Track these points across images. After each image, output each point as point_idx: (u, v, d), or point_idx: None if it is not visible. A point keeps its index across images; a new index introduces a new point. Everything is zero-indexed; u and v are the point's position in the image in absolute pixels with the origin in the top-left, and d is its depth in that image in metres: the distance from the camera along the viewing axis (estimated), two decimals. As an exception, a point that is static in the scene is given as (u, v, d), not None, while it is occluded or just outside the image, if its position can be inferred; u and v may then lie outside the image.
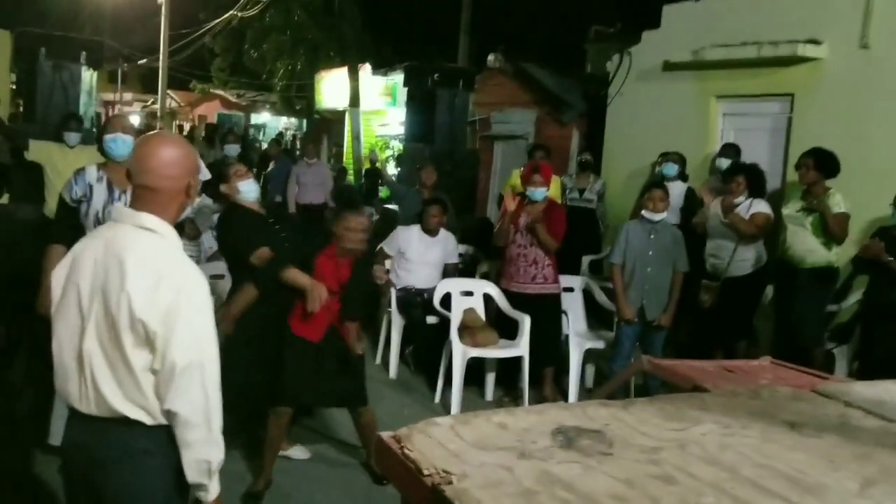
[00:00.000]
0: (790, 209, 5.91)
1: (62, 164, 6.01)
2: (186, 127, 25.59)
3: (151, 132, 2.57)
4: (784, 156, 7.30)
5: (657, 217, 5.23)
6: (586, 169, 8.36)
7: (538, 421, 1.73)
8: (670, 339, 5.77)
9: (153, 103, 26.98)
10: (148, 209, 2.11)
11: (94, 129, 7.39)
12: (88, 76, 8.33)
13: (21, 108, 10.28)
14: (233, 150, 8.18)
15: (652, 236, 5.26)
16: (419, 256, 6.18)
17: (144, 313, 1.99)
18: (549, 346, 5.58)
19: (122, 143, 3.91)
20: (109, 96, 28.89)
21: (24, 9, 19.08)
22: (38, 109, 8.15)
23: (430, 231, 6.21)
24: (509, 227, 5.60)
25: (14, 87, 11.00)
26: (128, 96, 30.85)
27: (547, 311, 5.59)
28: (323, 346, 4.11)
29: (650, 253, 5.23)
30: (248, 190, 4.28)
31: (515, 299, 5.61)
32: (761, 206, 6.03)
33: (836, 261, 5.63)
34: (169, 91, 25.55)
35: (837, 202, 5.49)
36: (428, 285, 6.06)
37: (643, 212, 5.31)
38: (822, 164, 5.61)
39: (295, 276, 4.03)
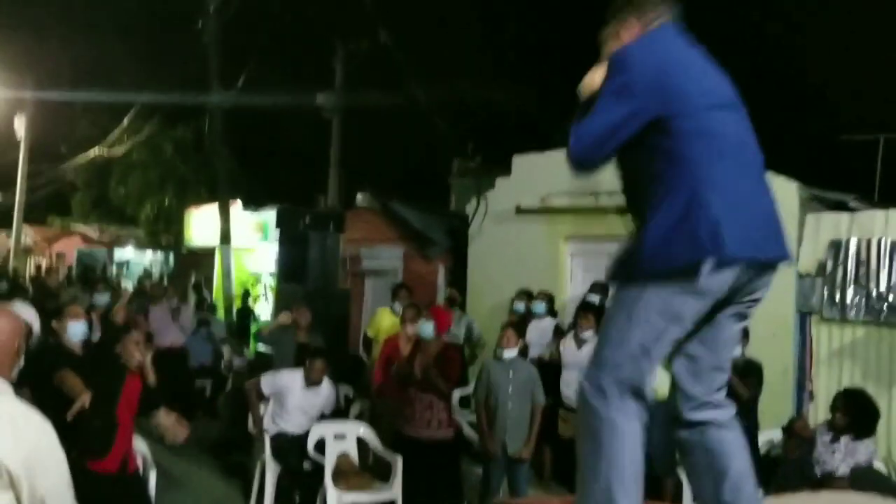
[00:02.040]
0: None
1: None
2: (44, 264, 24.54)
3: None
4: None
5: (510, 354, 5.67)
6: (452, 305, 8.85)
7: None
8: (536, 471, 6.10)
9: (7, 239, 25.80)
10: None
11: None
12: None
13: None
14: (102, 299, 8.06)
15: (510, 373, 5.68)
16: (298, 405, 6.16)
17: (7, 459, 2.17)
18: (448, 491, 5.59)
19: None
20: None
21: None
22: None
23: (314, 382, 6.16)
24: (405, 371, 5.63)
25: None
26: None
27: (443, 456, 5.59)
28: (120, 476, 4.28)
29: (510, 389, 5.63)
30: (75, 332, 4.72)
31: (411, 444, 5.56)
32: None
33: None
34: (24, 226, 24.59)
35: None
36: (302, 431, 6.11)
37: (498, 349, 5.75)
38: None
39: (68, 378, 4.24)
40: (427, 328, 5.63)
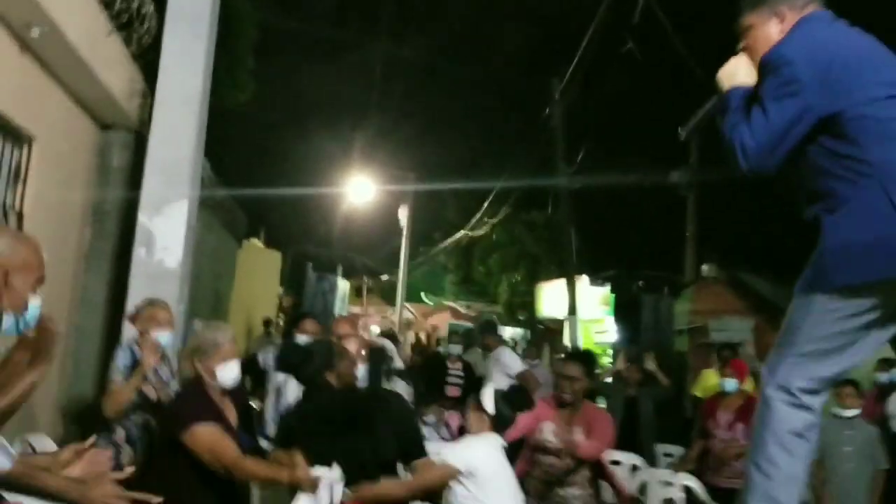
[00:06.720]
0: None
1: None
2: (422, 336, 27.75)
3: None
4: None
5: (848, 413, 5.26)
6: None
7: None
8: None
9: (392, 315, 29.71)
10: None
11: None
12: (342, 286, 9.97)
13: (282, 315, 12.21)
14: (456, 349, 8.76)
15: (847, 432, 5.25)
16: None
17: None
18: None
19: None
20: (356, 308, 32.24)
21: (293, 233, 22.63)
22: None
23: None
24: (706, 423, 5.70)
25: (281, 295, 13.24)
26: (371, 309, 34.14)
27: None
28: None
29: (846, 449, 5.20)
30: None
31: (721, 495, 5.41)
32: None
33: None
34: (406, 304, 28.09)
35: None
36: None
37: (833, 408, 5.36)
38: None
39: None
40: (730, 384, 5.69)
